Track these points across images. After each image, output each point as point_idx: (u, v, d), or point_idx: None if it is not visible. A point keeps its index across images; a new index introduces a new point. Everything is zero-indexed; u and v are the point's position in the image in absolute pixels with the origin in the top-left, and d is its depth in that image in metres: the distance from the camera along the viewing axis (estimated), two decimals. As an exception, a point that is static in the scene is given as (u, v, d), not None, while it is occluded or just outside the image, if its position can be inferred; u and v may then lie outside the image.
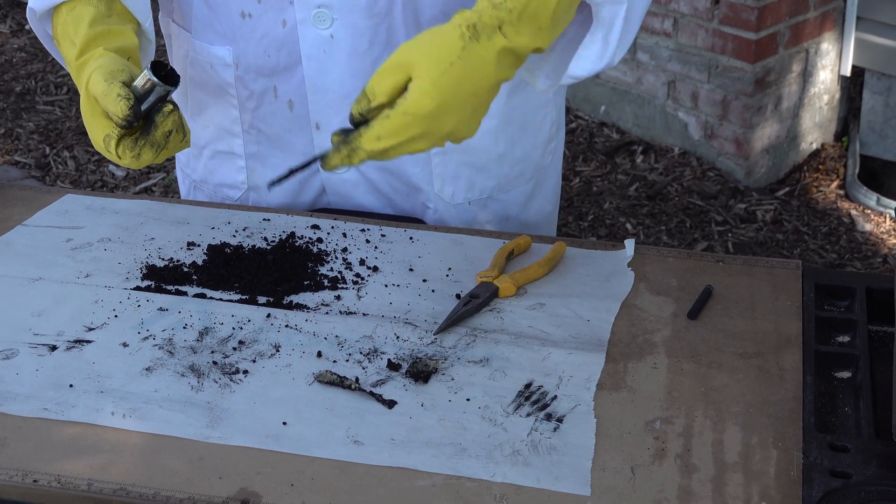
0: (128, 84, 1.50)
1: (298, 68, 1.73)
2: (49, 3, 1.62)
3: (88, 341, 1.51)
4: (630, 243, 1.69)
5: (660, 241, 3.88)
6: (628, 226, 4.00)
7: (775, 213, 4.01)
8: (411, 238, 1.73)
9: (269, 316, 1.54)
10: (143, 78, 1.49)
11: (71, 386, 1.43)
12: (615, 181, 4.25)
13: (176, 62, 1.85)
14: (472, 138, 1.44)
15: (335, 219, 1.77)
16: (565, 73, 1.52)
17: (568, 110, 4.72)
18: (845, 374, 1.45)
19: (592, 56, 1.49)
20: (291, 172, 1.45)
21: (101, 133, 1.51)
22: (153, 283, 1.62)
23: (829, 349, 1.48)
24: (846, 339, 1.52)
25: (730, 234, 3.90)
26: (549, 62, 1.56)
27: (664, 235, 3.93)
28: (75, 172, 4.38)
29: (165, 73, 1.50)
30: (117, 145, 1.50)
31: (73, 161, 4.44)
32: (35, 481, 1.29)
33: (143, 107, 1.49)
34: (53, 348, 1.50)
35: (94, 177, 4.40)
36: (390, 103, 1.36)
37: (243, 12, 1.72)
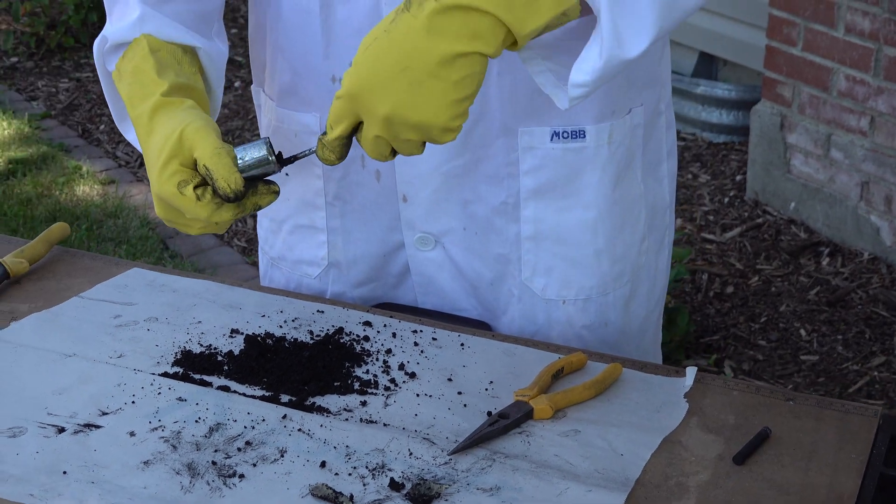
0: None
1: None
2: (128, 37, 1.57)
3: (98, 426, 1.47)
4: (691, 372, 1.56)
5: (834, 350, 3.67)
6: (802, 332, 3.79)
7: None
8: (462, 344, 1.64)
9: (284, 417, 1.48)
10: (257, 150, 1.44)
11: (64, 473, 1.39)
12: (796, 283, 4.05)
13: (262, 133, 1.81)
14: (566, 228, 1.58)
15: (390, 316, 1.69)
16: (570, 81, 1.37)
17: (756, 204, 4.53)
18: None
19: (592, 55, 1.34)
20: (294, 158, 1.45)
21: (174, 178, 1.44)
22: (182, 370, 1.58)
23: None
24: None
25: (913, 352, 3.66)
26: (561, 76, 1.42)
27: (839, 346, 3.71)
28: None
29: (277, 154, 1.46)
30: (196, 187, 1.44)
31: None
32: (-5, 573, 1.24)
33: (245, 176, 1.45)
34: (61, 430, 1.47)
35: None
36: None
37: (334, 77, 1.66)
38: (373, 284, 1.82)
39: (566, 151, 1.67)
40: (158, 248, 4.39)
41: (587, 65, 1.35)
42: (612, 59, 1.33)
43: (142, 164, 4.99)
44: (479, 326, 1.75)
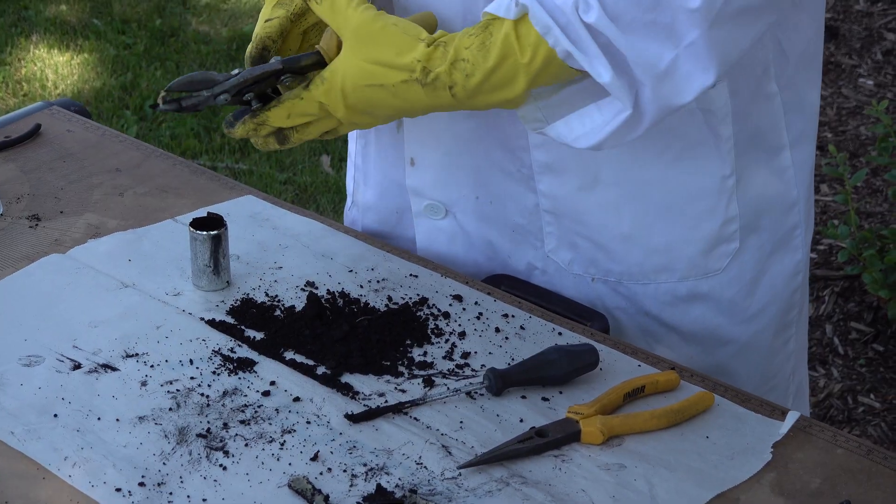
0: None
1: None
2: None
3: (114, 369, 1.57)
4: (793, 416, 1.49)
5: None
6: None
7: None
8: (560, 333, 1.65)
9: (297, 399, 1.53)
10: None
11: (55, 416, 1.49)
12: None
13: None
14: (587, 210, 1.67)
15: (488, 293, 1.70)
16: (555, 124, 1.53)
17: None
18: None
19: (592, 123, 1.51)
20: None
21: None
22: (233, 320, 1.65)
23: None
24: None
25: None
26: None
27: None
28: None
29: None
30: None
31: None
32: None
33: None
34: (76, 367, 1.57)
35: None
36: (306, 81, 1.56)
37: None
38: (387, 240, 1.87)
39: None
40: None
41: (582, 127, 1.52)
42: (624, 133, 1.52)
43: None
44: (596, 318, 1.73)
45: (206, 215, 1.70)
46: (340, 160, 4.18)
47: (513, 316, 1.68)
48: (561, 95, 1.51)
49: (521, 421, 1.50)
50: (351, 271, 1.75)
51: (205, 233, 1.66)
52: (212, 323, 1.65)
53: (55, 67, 4.59)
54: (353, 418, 1.49)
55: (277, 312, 1.66)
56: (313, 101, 1.55)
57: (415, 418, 1.50)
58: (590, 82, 1.48)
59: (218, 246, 1.67)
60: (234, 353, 1.59)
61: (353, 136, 1.89)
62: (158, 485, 1.40)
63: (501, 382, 1.52)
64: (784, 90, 1.68)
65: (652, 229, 1.72)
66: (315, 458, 1.44)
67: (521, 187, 1.72)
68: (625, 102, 1.45)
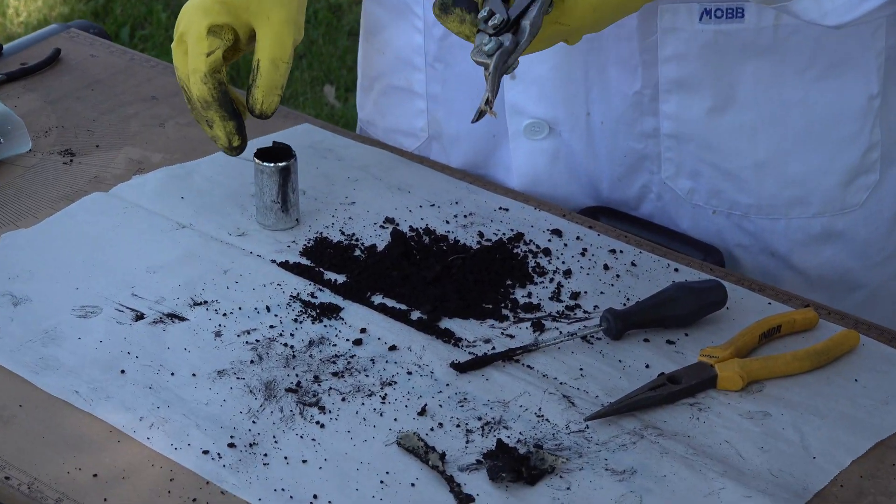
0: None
1: None
2: None
3: (182, 318, 1.58)
4: (954, 355, 1.51)
5: None
6: None
7: None
8: (676, 269, 1.66)
9: (393, 348, 1.55)
10: None
11: (122, 371, 1.51)
12: None
13: None
14: (717, 135, 1.65)
15: (589, 227, 1.72)
16: None
17: None
18: None
19: None
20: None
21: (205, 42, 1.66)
22: (309, 261, 1.66)
23: None
24: None
25: None
26: None
27: None
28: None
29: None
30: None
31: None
32: (7, 478, 1.39)
33: None
34: (139, 317, 1.58)
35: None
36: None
37: None
38: (480, 171, 1.88)
39: (718, 34, 1.66)
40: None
41: None
42: None
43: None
44: (711, 253, 1.76)
45: (271, 145, 1.70)
46: (346, 90, 4.17)
47: (621, 251, 1.69)
48: None
49: (647, 367, 1.52)
50: (433, 205, 1.76)
51: (272, 164, 1.67)
52: (285, 265, 1.66)
53: (17, -7, 4.57)
54: (460, 367, 1.50)
55: (357, 252, 1.68)
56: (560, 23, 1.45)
57: (528, 366, 1.52)
58: None
59: (287, 179, 1.68)
60: (316, 298, 1.61)
61: (418, 66, 1.89)
62: (250, 445, 1.41)
63: (621, 324, 1.54)
64: None
65: (789, 157, 1.74)
66: (423, 412, 1.46)
67: (640, 108, 1.74)
68: None
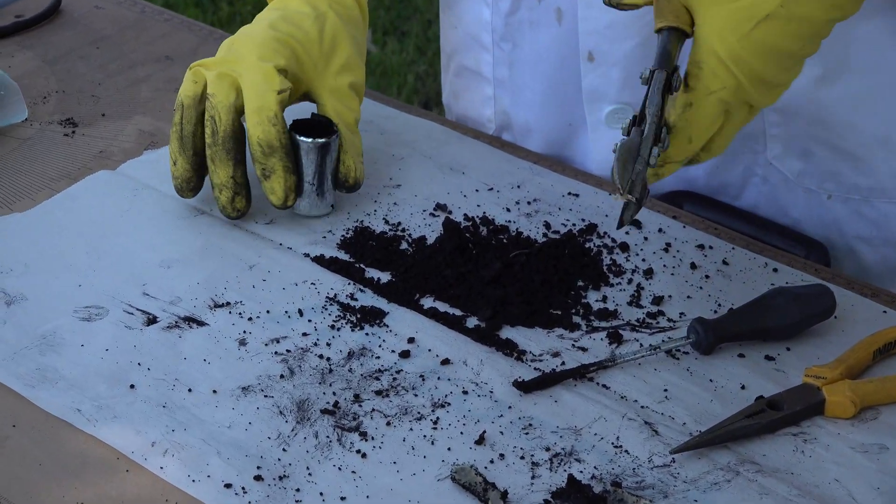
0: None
1: None
2: None
3: (202, 323, 1.49)
4: None
5: None
6: None
7: None
8: (775, 270, 1.58)
9: (446, 362, 1.45)
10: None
11: (132, 387, 1.41)
12: None
13: None
14: (829, 107, 1.62)
15: (673, 216, 1.65)
16: None
17: None
18: None
19: None
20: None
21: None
22: (347, 255, 1.58)
23: None
24: None
25: None
26: None
27: None
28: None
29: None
30: None
31: None
32: (-7, 512, 1.30)
33: None
34: (152, 321, 1.49)
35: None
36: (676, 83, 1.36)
37: None
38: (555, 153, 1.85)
39: None
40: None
41: None
42: None
43: None
44: (814, 249, 1.71)
45: (309, 117, 1.61)
46: (384, 34, 4.09)
47: (710, 247, 1.62)
48: None
49: (743, 388, 1.43)
50: (491, 189, 1.69)
51: (311, 140, 1.57)
52: (320, 260, 1.57)
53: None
54: (525, 386, 1.41)
55: (404, 246, 1.60)
56: (704, 96, 1.39)
57: (603, 385, 1.43)
58: None
59: (325, 158, 1.59)
60: (356, 300, 1.52)
61: (485, 44, 1.85)
62: (280, 478, 1.32)
63: (712, 336, 1.45)
64: None
65: None
66: (481, 440, 1.36)
67: None
68: None
